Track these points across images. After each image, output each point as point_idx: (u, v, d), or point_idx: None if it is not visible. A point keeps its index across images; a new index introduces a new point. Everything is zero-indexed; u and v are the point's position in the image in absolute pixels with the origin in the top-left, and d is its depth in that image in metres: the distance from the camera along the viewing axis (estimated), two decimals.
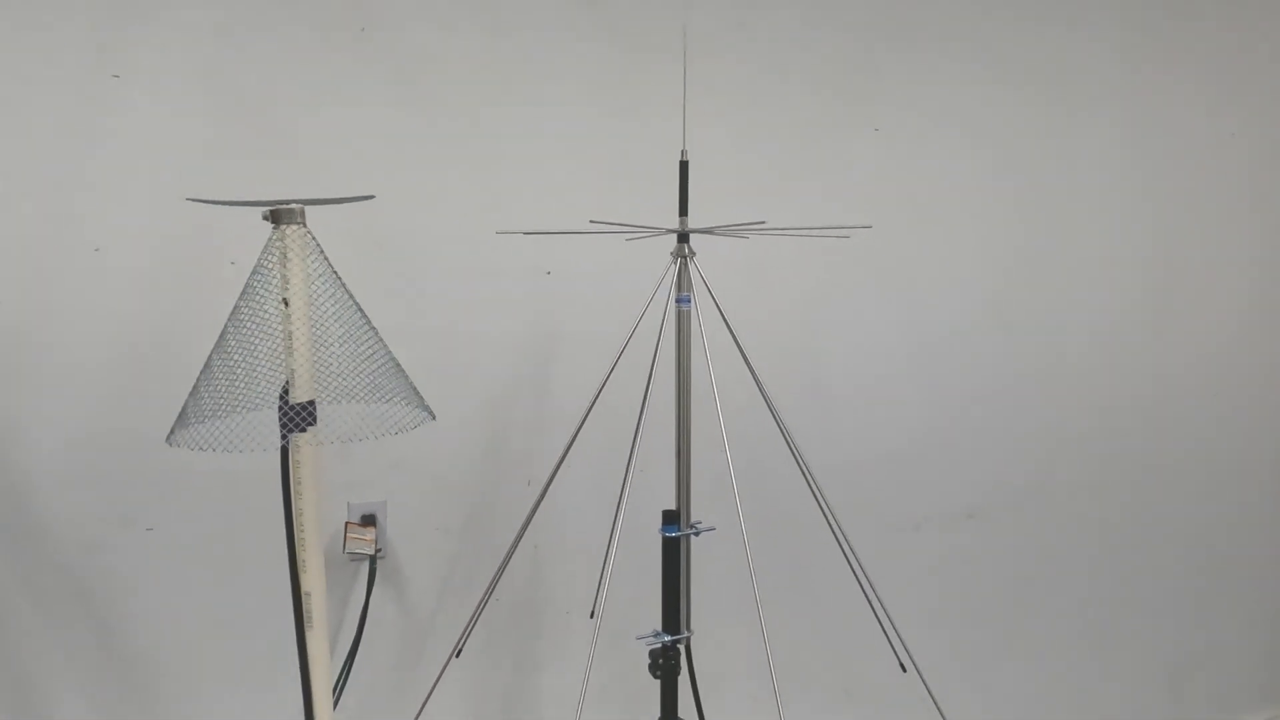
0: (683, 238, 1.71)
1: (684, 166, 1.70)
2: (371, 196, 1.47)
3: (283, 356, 1.34)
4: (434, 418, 1.44)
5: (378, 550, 2.00)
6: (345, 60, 1.91)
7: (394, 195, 1.88)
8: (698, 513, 1.77)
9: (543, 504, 1.79)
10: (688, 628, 1.80)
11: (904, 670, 1.90)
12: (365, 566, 1.99)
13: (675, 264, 1.71)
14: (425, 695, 1.94)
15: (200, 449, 1.30)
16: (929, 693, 1.82)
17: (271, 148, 1.87)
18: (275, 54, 1.86)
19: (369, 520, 2.00)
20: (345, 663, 1.95)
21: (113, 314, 1.81)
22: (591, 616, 1.95)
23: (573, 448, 1.74)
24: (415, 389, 1.43)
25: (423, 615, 2.07)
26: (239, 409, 1.32)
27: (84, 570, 1.84)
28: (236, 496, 1.91)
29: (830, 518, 1.77)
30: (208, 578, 1.91)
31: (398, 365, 1.42)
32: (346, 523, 1.98)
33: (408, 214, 1.94)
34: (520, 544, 1.79)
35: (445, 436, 1.97)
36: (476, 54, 2.00)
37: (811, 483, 1.77)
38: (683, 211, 1.71)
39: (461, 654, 1.87)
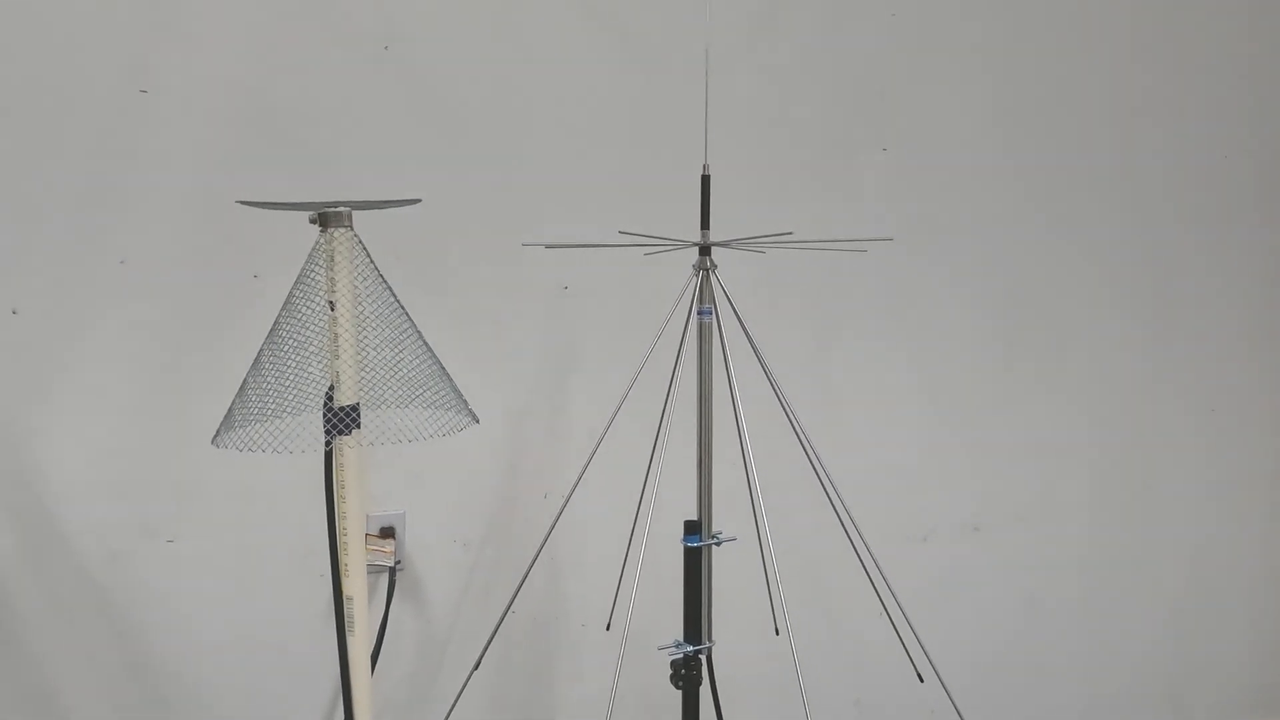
0: (704, 250, 1.74)
1: (705, 181, 1.73)
2: (418, 200, 1.49)
3: (328, 359, 1.35)
4: (478, 421, 1.46)
5: (396, 562, 2.00)
6: (370, 76, 1.94)
7: (414, 208, 1.90)
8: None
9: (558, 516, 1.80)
10: (709, 638, 1.81)
11: (921, 680, 1.91)
12: (384, 578, 2.00)
13: (697, 276, 1.74)
14: (442, 706, 1.95)
15: (247, 450, 1.31)
16: (952, 702, 1.83)
17: (296, 162, 1.89)
18: (301, 70, 1.89)
19: (388, 532, 2.01)
20: None
21: (135, 326, 1.82)
22: (608, 629, 1.95)
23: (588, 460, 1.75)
24: (459, 393, 1.44)
25: (441, 627, 2.07)
26: (284, 413, 1.33)
27: (106, 581, 1.83)
28: (257, 508, 1.91)
29: (853, 528, 1.78)
30: (229, 589, 1.91)
31: (443, 369, 1.44)
32: (365, 534, 1.98)
33: (427, 228, 1.96)
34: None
35: (464, 449, 1.97)
36: (497, 72, 2.03)
37: (833, 494, 1.79)
38: (704, 225, 1.74)
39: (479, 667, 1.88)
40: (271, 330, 1.37)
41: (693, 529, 1.76)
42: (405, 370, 1.38)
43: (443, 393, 1.42)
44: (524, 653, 2.16)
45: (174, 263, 1.83)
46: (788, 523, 2.13)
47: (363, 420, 1.38)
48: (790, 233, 1.68)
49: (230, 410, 1.36)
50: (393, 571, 2.00)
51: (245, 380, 1.37)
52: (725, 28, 2.18)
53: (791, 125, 2.27)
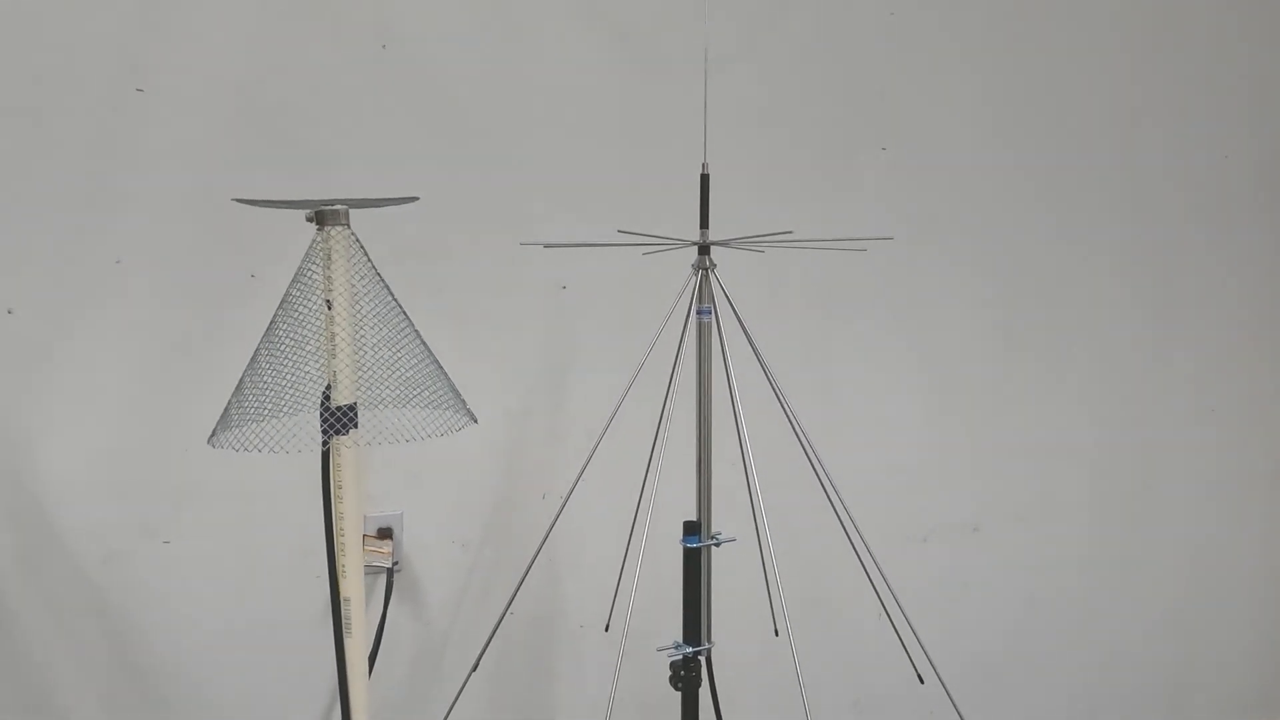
0: (704, 250, 1.73)
1: (705, 180, 1.72)
2: (415, 199, 1.48)
3: (325, 359, 1.34)
4: (476, 421, 1.45)
5: (394, 563, 1.99)
6: (367, 77, 1.93)
7: (412, 207, 1.90)
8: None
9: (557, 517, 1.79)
10: (708, 639, 1.80)
11: (922, 682, 1.90)
12: (382, 579, 1.99)
13: (697, 276, 1.73)
14: (440, 708, 1.94)
15: (244, 450, 1.30)
16: (953, 704, 1.83)
17: (293, 160, 1.88)
18: (298, 68, 1.88)
19: (385, 533, 2.00)
20: None
21: (132, 325, 1.81)
22: (607, 630, 1.95)
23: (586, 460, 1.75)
24: (458, 392, 1.43)
25: (439, 628, 2.06)
26: (281, 413, 1.32)
27: (103, 582, 1.82)
28: (255, 509, 1.90)
29: (853, 528, 1.78)
30: (226, 590, 1.90)
31: (440, 368, 1.43)
32: (363, 535, 1.97)
33: (425, 226, 1.95)
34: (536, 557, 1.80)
35: (462, 449, 1.97)
36: (495, 70, 2.02)
37: (833, 494, 1.78)
38: (703, 224, 1.73)
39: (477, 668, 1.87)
40: (268, 329, 1.36)
41: (692, 529, 1.75)
42: (403, 369, 1.37)
43: (440, 392, 1.41)
44: (523, 654, 2.15)
45: (170, 262, 1.82)
46: (788, 523, 2.12)
47: (360, 420, 1.37)
48: (790, 232, 1.67)
49: (227, 410, 1.35)
50: (390, 572, 1.99)
51: (242, 380, 1.36)
52: (725, 27, 2.17)
53: (791, 125, 2.26)
